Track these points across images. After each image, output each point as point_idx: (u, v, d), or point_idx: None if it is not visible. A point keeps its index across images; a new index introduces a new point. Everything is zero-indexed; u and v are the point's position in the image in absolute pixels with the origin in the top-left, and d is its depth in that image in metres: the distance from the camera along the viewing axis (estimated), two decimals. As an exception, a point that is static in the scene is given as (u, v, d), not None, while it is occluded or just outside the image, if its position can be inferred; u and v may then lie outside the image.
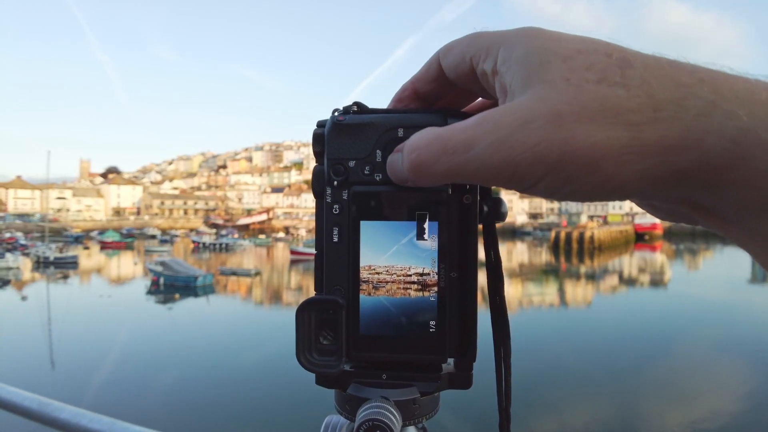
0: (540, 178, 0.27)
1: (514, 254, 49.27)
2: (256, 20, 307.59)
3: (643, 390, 11.22)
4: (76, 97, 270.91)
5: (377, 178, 0.38)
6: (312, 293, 0.40)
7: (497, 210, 0.40)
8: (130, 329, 17.91)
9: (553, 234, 56.72)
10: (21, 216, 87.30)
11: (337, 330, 0.38)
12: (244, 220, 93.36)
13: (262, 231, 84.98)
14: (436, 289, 0.38)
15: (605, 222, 77.33)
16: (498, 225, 0.42)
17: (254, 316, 21.79)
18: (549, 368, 12.44)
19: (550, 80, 0.27)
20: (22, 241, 54.68)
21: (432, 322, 0.38)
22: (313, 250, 0.41)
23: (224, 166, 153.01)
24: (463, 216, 0.38)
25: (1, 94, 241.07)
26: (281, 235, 76.14)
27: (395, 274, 0.38)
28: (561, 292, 27.28)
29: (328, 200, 0.39)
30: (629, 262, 43.34)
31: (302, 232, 76.67)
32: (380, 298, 0.38)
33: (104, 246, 57.09)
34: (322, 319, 0.38)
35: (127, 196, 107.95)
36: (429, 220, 0.37)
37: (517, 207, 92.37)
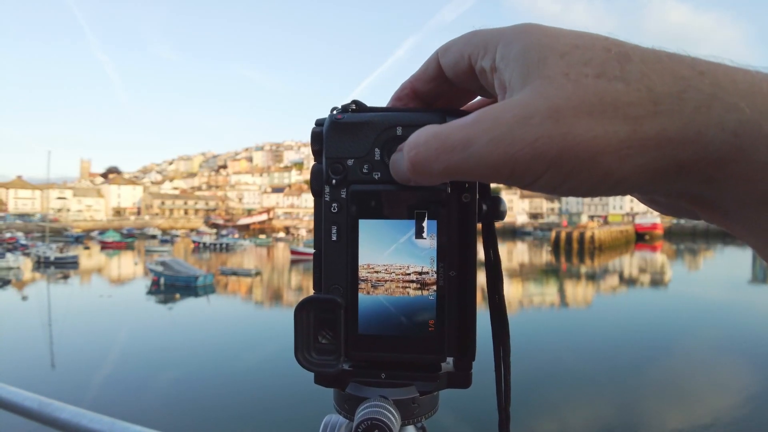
0: (540, 174, 0.27)
1: (514, 254, 49.28)
2: (256, 20, 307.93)
3: (643, 390, 11.22)
4: (77, 97, 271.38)
5: (376, 177, 0.38)
6: (312, 293, 0.39)
7: (496, 209, 0.40)
8: (131, 329, 17.92)
9: (553, 234, 56.67)
10: (21, 216, 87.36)
11: (336, 329, 0.38)
12: (244, 220, 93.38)
13: (262, 231, 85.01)
14: (435, 288, 0.38)
15: (605, 222, 77.30)
16: (498, 225, 0.42)
17: (254, 316, 21.81)
18: (549, 368, 12.44)
19: (548, 76, 0.27)
20: (23, 241, 54.70)
21: (431, 321, 0.38)
22: (313, 250, 0.41)
23: (225, 166, 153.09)
24: (462, 215, 0.38)
25: (1, 94, 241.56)
26: (281, 235, 76.17)
27: (394, 272, 0.38)
28: (561, 292, 27.28)
29: (327, 199, 0.39)
30: (629, 262, 43.32)
31: (302, 232, 76.68)
32: (379, 297, 0.38)
33: (105, 246, 57.10)
34: (320, 318, 0.38)
35: (128, 196, 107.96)
36: (428, 219, 0.37)
37: (517, 207, 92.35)
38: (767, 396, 11.00)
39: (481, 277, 0.40)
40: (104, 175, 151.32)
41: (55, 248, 44.16)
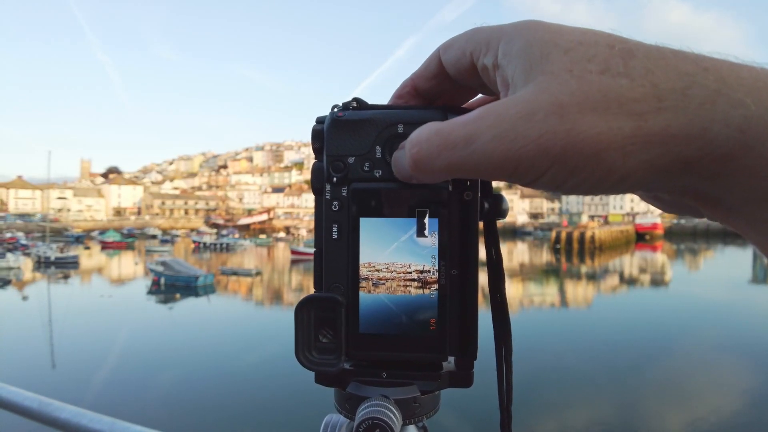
0: (544, 170, 0.27)
1: (514, 254, 49.27)
2: (256, 20, 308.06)
3: (643, 390, 11.22)
4: (77, 97, 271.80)
5: (377, 175, 0.37)
6: (312, 292, 0.39)
7: (498, 207, 0.40)
8: (131, 329, 17.93)
9: (553, 234, 56.68)
10: (22, 216, 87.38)
11: (337, 328, 0.38)
12: (244, 220, 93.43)
13: (262, 231, 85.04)
14: (436, 286, 0.37)
15: (606, 222, 77.29)
16: (498, 224, 0.41)
17: (255, 315, 21.81)
18: (550, 368, 12.43)
19: (551, 72, 0.27)
20: (23, 241, 54.72)
21: (432, 320, 0.38)
22: (313, 250, 0.40)
23: (225, 166, 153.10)
24: (463, 213, 0.38)
25: (2, 94, 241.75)
26: (282, 234, 76.18)
27: (395, 271, 0.37)
28: (561, 292, 27.28)
29: (328, 197, 0.38)
30: (630, 262, 43.31)
31: (303, 232, 76.68)
32: (380, 296, 0.38)
33: (105, 246, 57.12)
34: (321, 317, 0.38)
35: (128, 196, 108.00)
36: (429, 217, 0.37)
37: (517, 207, 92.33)
38: (767, 396, 11.00)
39: (483, 276, 0.40)
40: (104, 175, 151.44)
41: (56, 248, 44.17)
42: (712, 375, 12.68)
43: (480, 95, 0.40)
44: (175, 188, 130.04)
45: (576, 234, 53.12)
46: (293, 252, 44.46)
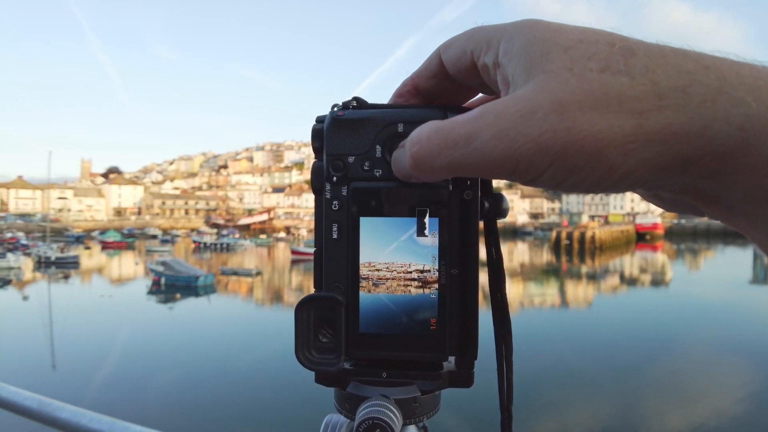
0: (544, 169, 0.27)
1: (515, 254, 49.26)
2: (256, 20, 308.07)
3: (644, 390, 11.21)
4: (77, 97, 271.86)
5: (377, 174, 0.37)
6: (313, 291, 0.39)
7: (498, 206, 0.40)
8: (131, 329, 17.93)
9: (554, 234, 56.68)
10: (22, 216, 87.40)
11: (337, 327, 0.37)
12: (245, 220, 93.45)
13: (263, 231, 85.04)
14: (436, 286, 0.37)
15: (606, 222, 77.26)
16: (499, 224, 0.41)
17: (255, 315, 21.81)
18: (550, 368, 12.43)
19: (552, 70, 0.27)
20: (24, 241, 54.72)
21: (432, 320, 0.38)
22: (313, 250, 0.40)
23: (225, 166, 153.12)
24: (463, 212, 0.38)
25: (2, 94, 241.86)
26: (282, 235, 76.18)
27: (395, 271, 0.37)
28: (562, 292, 27.27)
29: (328, 196, 0.38)
30: (630, 262, 43.29)
31: (303, 232, 76.69)
32: (380, 296, 0.38)
33: (105, 246, 57.11)
34: (321, 316, 0.38)
35: (128, 196, 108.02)
36: (429, 217, 0.37)
37: (518, 207, 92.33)
38: (767, 396, 11.00)
39: (483, 276, 0.39)
40: (105, 175, 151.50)
41: (56, 248, 44.21)
42: (712, 375, 12.67)
43: (480, 94, 0.40)
44: (176, 188, 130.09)
45: (576, 234, 53.12)
46: (293, 252, 44.46)
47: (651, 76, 0.26)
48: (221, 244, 55.92)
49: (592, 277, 33.50)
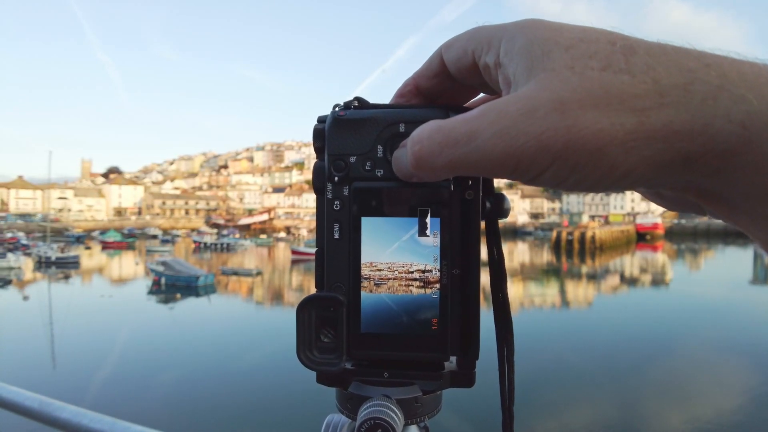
0: (545, 167, 0.27)
1: (515, 254, 49.25)
2: (256, 20, 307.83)
3: (644, 390, 11.21)
4: (77, 97, 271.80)
5: (378, 174, 0.37)
6: (314, 291, 0.39)
7: (500, 206, 0.40)
8: (132, 329, 17.94)
9: (554, 234, 56.63)
10: (23, 216, 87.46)
11: (338, 327, 0.37)
12: (245, 220, 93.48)
13: (263, 231, 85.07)
14: (438, 286, 0.37)
15: (606, 222, 77.24)
16: (499, 224, 0.41)
17: (255, 316, 21.80)
18: (550, 368, 12.43)
19: (553, 69, 0.27)
20: (24, 241, 54.75)
21: (434, 320, 0.37)
22: (314, 250, 0.40)
23: (225, 166, 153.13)
24: (465, 212, 0.38)
25: (2, 94, 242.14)
26: (282, 235, 76.17)
27: (397, 271, 0.37)
28: (562, 292, 27.26)
29: (329, 196, 0.38)
30: (630, 262, 43.28)
31: (303, 232, 76.69)
32: (381, 296, 0.38)
33: (105, 246, 57.11)
34: (322, 316, 0.38)
35: (129, 196, 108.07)
36: (431, 217, 0.37)
37: (518, 207, 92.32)
38: (767, 396, 10.99)
39: (484, 276, 0.39)
40: (105, 175, 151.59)
41: (56, 248, 44.20)
42: (712, 375, 12.67)
43: (481, 94, 0.40)
44: (176, 188, 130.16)
45: (576, 234, 53.08)
46: (294, 252, 44.46)
47: (652, 74, 0.26)
48: (221, 244, 55.93)
49: (593, 277, 33.49)
